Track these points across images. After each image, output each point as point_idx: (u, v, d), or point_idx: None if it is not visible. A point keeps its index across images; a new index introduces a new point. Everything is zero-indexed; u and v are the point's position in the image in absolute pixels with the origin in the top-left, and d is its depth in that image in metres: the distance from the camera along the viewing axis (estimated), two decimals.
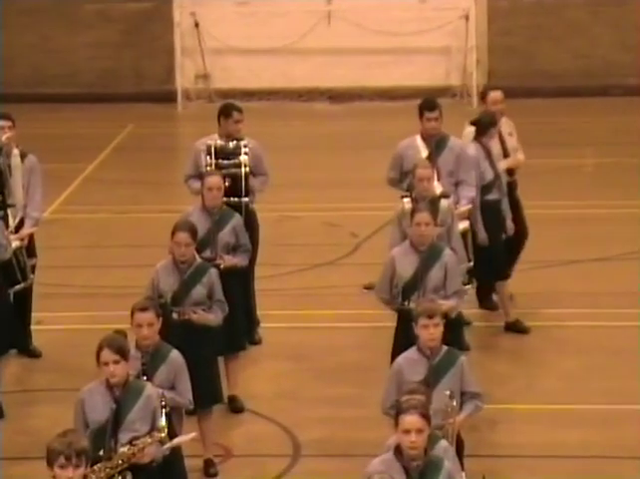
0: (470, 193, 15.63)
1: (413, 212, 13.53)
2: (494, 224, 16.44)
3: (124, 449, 10.25)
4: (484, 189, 16.17)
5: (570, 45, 27.75)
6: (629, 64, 27.37)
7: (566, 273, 18.76)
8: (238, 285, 14.38)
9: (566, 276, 18.34)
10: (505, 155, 15.98)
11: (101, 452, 9.21)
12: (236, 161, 15.37)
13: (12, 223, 14.87)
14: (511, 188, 16.27)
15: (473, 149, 15.91)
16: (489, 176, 16.18)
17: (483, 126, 16.14)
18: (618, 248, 20.04)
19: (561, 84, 27.04)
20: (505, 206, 16.86)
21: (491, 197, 16.38)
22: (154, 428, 10.76)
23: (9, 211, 14.81)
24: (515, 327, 16.21)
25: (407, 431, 9.08)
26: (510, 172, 16.15)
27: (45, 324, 15.73)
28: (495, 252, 16.62)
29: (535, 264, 17.83)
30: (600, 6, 28.33)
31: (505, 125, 16.25)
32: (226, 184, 14.72)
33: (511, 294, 16.20)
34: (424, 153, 15.30)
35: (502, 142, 16.04)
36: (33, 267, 15.17)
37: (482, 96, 16.48)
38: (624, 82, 27.72)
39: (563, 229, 20.43)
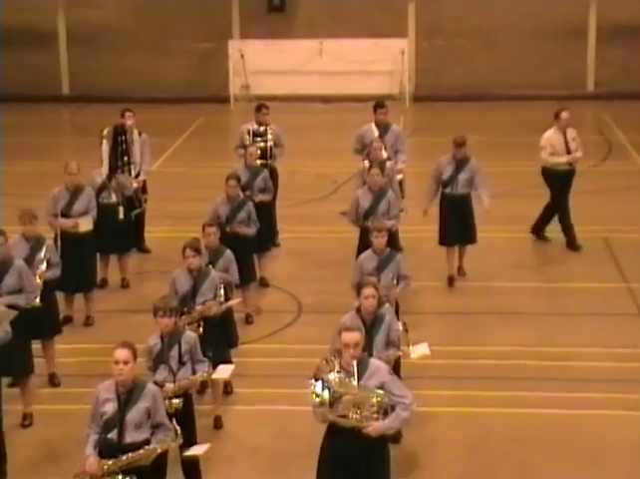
0: (403, 157, 15.85)
1: (369, 168, 14.03)
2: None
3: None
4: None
5: (465, 67, 26.66)
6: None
7: None
8: (266, 211, 14.75)
9: None
10: (568, 152, 15.70)
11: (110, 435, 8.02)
12: (265, 138, 15.97)
13: (133, 173, 15.23)
14: (571, 173, 15.93)
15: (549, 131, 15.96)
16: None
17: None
18: None
19: (459, 93, 26.08)
20: None
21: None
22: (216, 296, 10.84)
23: (132, 166, 15.13)
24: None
25: (366, 297, 9.53)
26: (570, 164, 15.82)
27: (152, 233, 15.98)
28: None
29: None
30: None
31: (570, 132, 15.85)
32: (259, 151, 15.36)
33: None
34: (376, 133, 15.87)
35: (567, 143, 15.72)
36: (145, 199, 15.58)
37: (556, 115, 15.79)
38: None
39: None
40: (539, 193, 18.49)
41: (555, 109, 23.83)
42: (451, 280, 14.37)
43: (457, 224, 14.26)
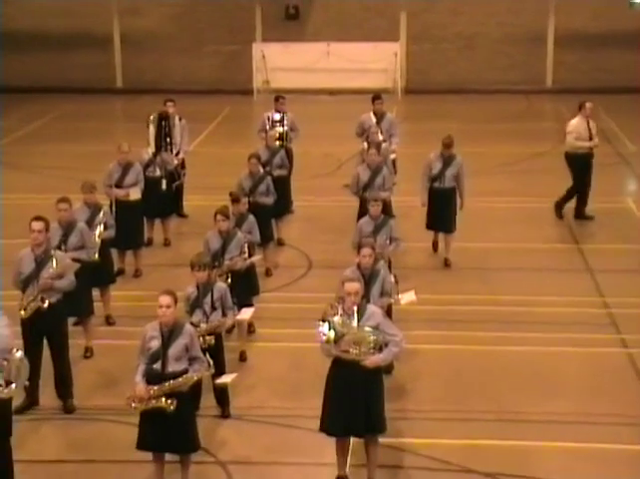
0: (396, 140, 15.63)
1: (368, 149, 13.99)
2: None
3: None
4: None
5: (448, 67, 26.52)
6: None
7: None
8: (282, 184, 14.59)
9: None
10: (590, 138, 15.23)
11: (155, 365, 8.04)
12: (282, 124, 15.86)
13: (174, 152, 15.16)
14: (591, 156, 15.33)
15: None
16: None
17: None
18: None
19: (443, 88, 25.89)
20: None
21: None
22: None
23: (173, 146, 15.03)
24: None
25: (364, 255, 9.55)
26: (591, 148, 15.30)
27: (189, 201, 15.87)
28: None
29: None
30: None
31: (590, 121, 15.38)
32: (277, 135, 15.34)
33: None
34: (374, 120, 15.72)
35: (590, 130, 15.26)
36: (184, 174, 15.47)
37: (580, 106, 15.36)
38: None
39: None
40: (510, 170, 18.75)
41: (519, 101, 23.92)
42: (435, 245, 14.03)
43: (440, 214, 13.52)
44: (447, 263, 13.50)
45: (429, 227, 13.81)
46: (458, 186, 13.46)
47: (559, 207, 15.66)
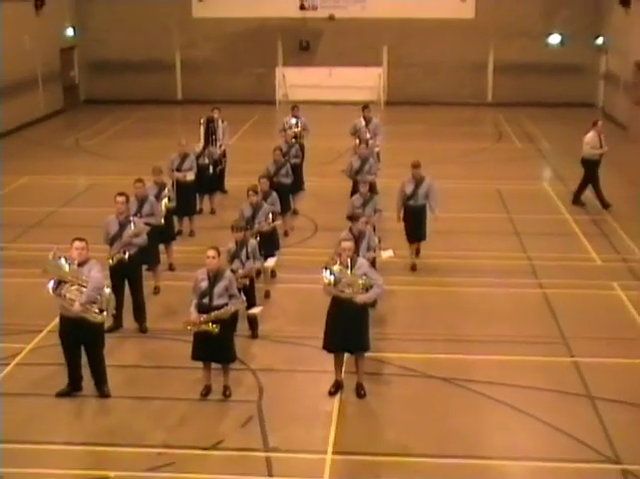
0: (379, 138, 15.20)
1: (359, 144, 13.77)
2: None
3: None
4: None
5: (417, 85, 25.87)
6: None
7: None
8: (297, 169, 14.32)
9: None
10: (601, 146, 14.36)
11: (204, 300, 7.90)
12: (297, 125, 15.45)
13: (218, 145, 14.71)
14: (600, 160, 14.47)
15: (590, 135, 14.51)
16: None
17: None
18: None
19: (413, 100, 25.50)
20: None
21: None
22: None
23: (217, 141, 14.74)
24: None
25: (354, 223, 9.45)
26: (601, 154, 14.42)
27: (229, 182, 15.42)
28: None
29: None
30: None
31: (602, 134, 14.47)
32: (293, 133, 15.13)
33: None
34: (363, 123, 15.30)
35: (601, 141, 14.37)
36: (225, 161, 15.05)
37: (594, 123, 14.43)
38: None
39: None
40: (462, 160, 18.46)
41: (468, 111, 23.50)
42: (417, 252, 11.96)
43: (415, 227, 11.62)
44: (417, 254, 11.83)
45: (407, 238, 11.71)
46: (429, 202, 11.55)
47: (577, 196, 14.78)
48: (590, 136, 14.62)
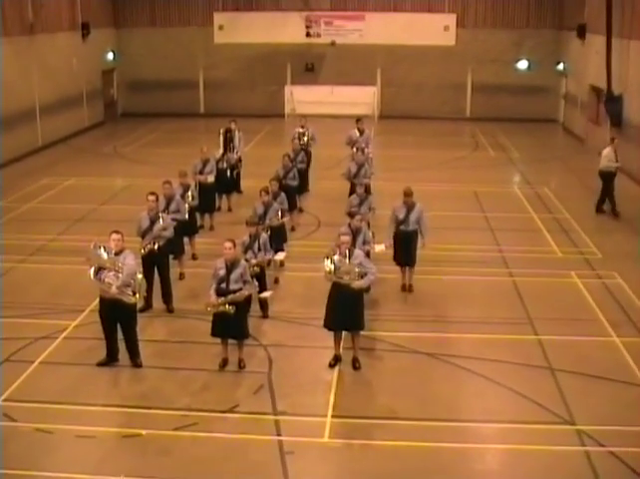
0: (370, 146, 14.88)
1: (356, 152, 13.65)
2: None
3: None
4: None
5: (405, 102, 25.45)
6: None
7: None
8: (303, 172, 14.13)
9: None
10: (616, 160, 13.78)
11: (222, 285, 7.77)
12: (304, 135, 15.21)
13: (234, 152, 14.47)
14: (615, 173, 13.86)
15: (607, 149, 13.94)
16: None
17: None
18: None
19: (402, 115, 25.26)
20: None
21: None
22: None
23: (234, 149, 14.47)
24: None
25: (352, 220, 9.33)
26: (616, 168, 13.79)
27: (245, 183, 15.12)
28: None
29: None
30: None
31: (617, 148, 13.88)
32: (301, 142, 14.79)
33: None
34: (357, 134, 14.96)
35: (616, 156, 13.75)
36: (241, 166, 14.74)
37: (612, 139, 13.93)
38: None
39: None
40: (444, 166, 18.12)
41: (449, 124, 23.26)
42: (404, 277, 10.55)
43: (405, 253, 10.24)
44: (410, 289, 10.30)
45: (399, 263, 10.40)
46: (419, 227, 10.21)
47: (600, 206, 14.03)
48: (607, 151, 14.06)
